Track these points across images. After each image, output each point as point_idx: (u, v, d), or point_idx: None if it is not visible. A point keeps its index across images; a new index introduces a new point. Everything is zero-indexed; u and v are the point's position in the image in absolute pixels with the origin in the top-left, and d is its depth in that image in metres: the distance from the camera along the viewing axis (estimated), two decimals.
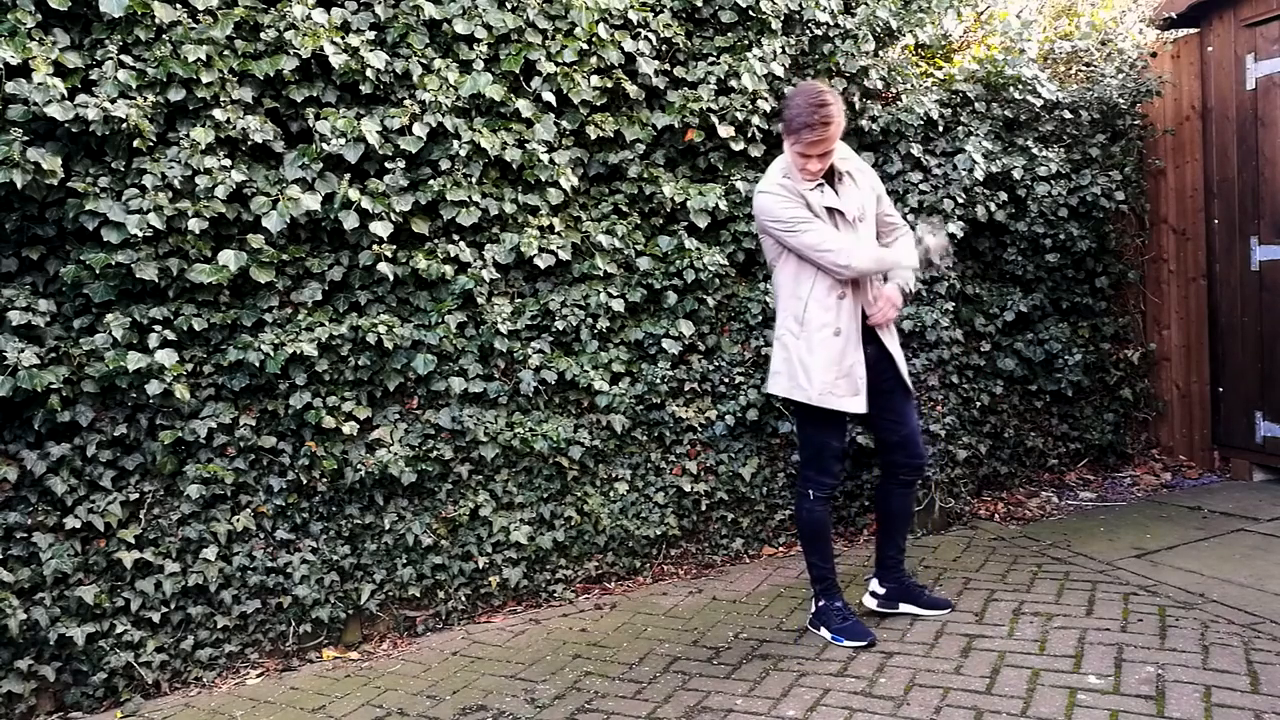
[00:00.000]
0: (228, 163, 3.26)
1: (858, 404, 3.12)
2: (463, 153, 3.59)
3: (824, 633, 3.28)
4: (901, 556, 3.44)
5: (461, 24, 3.63)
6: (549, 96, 3.75)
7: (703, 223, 4.02)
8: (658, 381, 3.99)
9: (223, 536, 3.38)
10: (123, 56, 3.15)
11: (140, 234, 3.13)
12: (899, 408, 3.26)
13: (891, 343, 3.24)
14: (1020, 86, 4.74)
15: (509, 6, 3.73)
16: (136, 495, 3.29)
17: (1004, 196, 4.66)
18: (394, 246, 3.55)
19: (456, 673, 3.27)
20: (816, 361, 3.09)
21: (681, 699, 2.93)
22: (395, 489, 3.64)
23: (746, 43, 4.13)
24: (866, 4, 4.33)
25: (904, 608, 3.41)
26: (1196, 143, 5.07)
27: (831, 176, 3.13)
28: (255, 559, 3.44)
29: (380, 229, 3.46)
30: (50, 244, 3.19)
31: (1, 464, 3.11)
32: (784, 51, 4.15)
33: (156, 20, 3.16)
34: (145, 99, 3.15)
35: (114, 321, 3.15)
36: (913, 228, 3.50)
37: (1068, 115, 4.90)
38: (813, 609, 3.35)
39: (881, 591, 3.43)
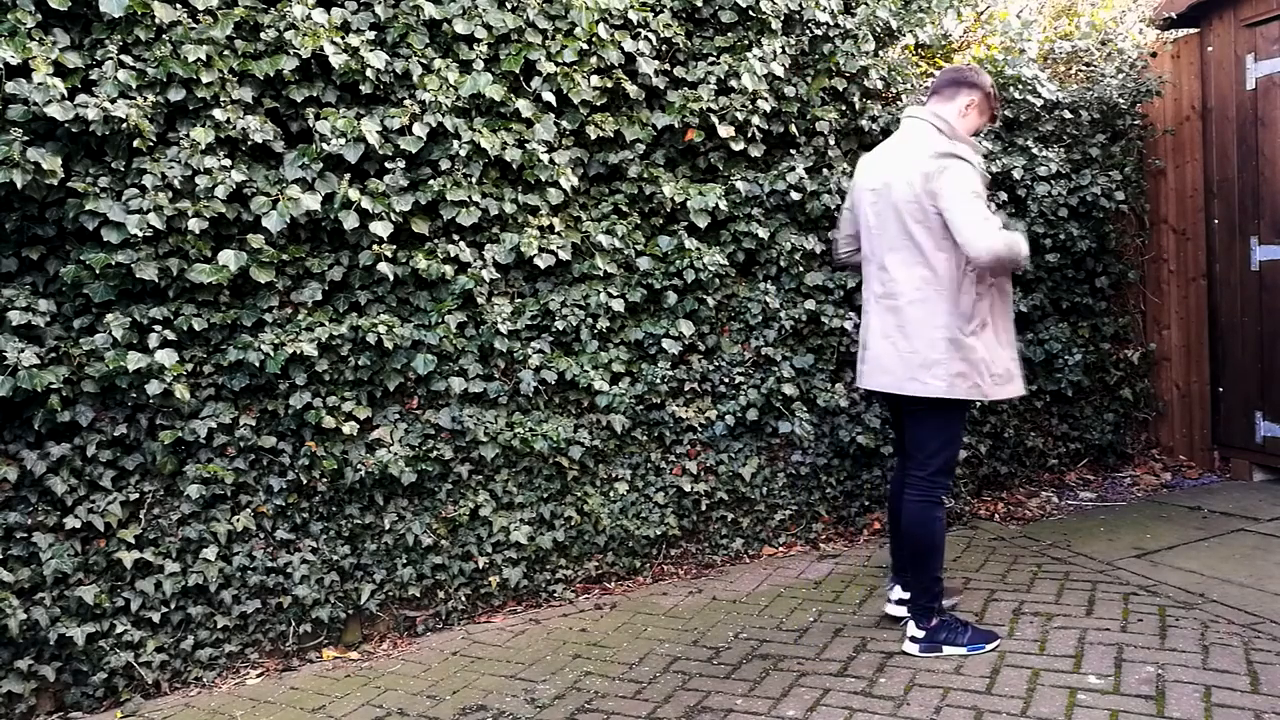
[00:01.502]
0: (228, 163, 3.26)
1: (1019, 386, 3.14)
2: (463, 153, 3.59)
3: (954, 650, 3.07)
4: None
5: (461, 24, 3.63)
6: (549, 96, 3.75)
7: (703, 223, 4.02)
8: (658, 381, 3.99)
9: (223, 536, 3.38)
10: (123, 56, 3.15)
11: (140, 234, 3.13)
12: None
13: None
14: (1020, 86, 4.75)
15: (509, 6, 3.73)
16: (136, 495, 3.29)
17: (1004, 196, 4.66)
18: (394, 246, 3.55)
19: (456, 673, 3.28)
20: (999, 354, 3.04)
21: (681, 699, 2.93)
22: (395, 489, 3.64)
23: (746, 43, 4.13)
24: (866, 4, 4.33)
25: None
26: (1196, 143, 5.07)
27: None
28: (255, 559, 3.44)
29: (380, 229, 3.46)
30: (50, 244, 3.19)
31: (1, 464, 3.10)
32: (784, 51, 4.15)
33: (156, 20, 3.16)
34: (145, 99, 3.15)
35: (114, 321, 3.15)
36: None
37: (1068, 115, 4.90)
38: (919, 632, 3.11)
39: (906, 596, 3.26)
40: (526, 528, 3.80)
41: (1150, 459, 5.32)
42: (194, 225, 3.21)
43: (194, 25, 3.22)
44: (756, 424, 4.21)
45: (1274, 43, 4.61)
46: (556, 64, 3.76)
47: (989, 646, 3.08)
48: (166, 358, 3.20)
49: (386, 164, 3.51)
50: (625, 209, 4.01)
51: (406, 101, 3.54)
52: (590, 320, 3.89)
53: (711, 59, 4.09)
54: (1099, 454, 5.24)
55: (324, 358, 3.44)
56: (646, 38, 3.95)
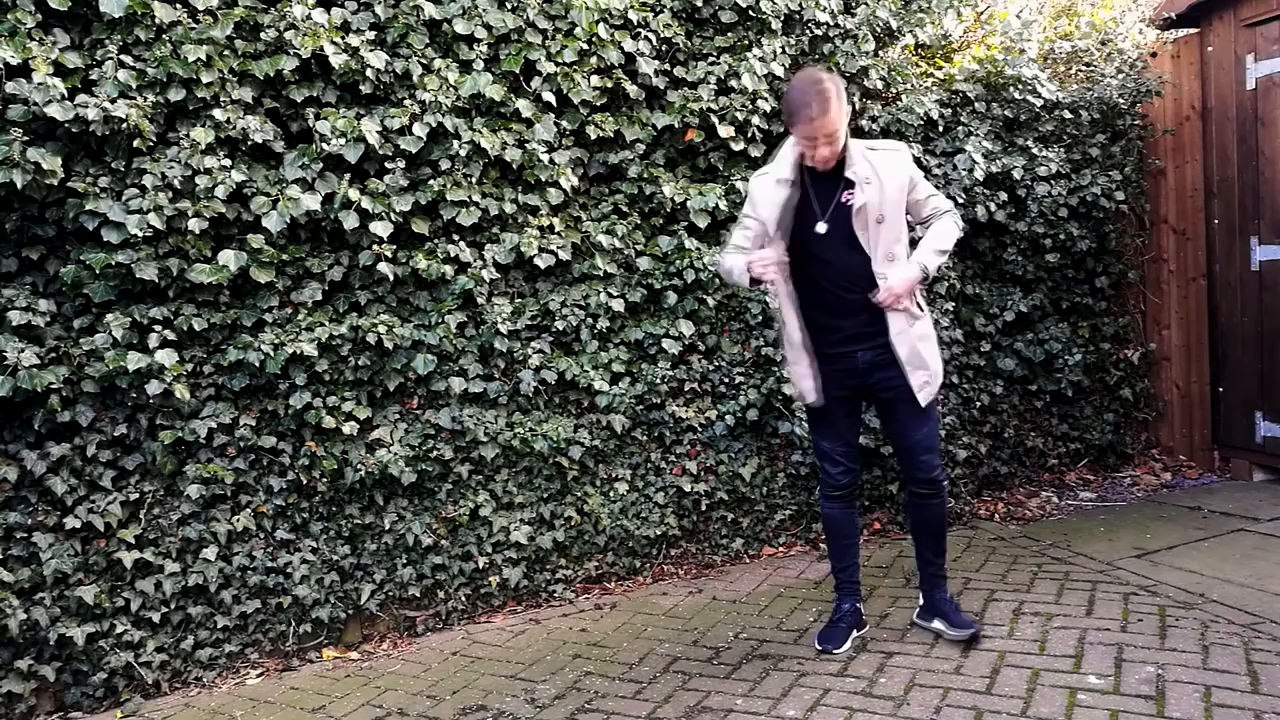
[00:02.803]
0: (228, 163, 3.26)
1: (806, 395, 3.13)
2: (463, 153, 3.59)
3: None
4: (933, 570, 3.25)
5: (461, 24, 3.63)
6: (549, 96, 3.75)
7: (703, 223, 4.02)
8: (658, 381, 3.99)
9: (223, 536, 3.38)
10: (123, 56, 3.15)
11: (140, 234, 3.13)
12: (901, 418, 3.08)
13: (902, 348, 2.97)
14: (1020, 86, 4.74)
15: (509, 6, 3.73)
16: (136, 495, 3.29)
17: (1004, 196, 4.66)
18: (394, 246, 3.55)
19: (456, 673, 3.27)
20: (792, 359, 3.16)
21: (681, 699, 2.93)
22: (395, 489, 3.64)
23: (746, 43, 4.13)
24: (866, 4, 4.33)
25: (935, 624, 3.25)
26: (1196, 143, 5.07)
27: (841, 174, 2.96)
28: (255, 559, 3.44)
29: (380, 229, 3.46)
30: (50, 244, 3.19)
31: (1, 464, 3.11)
32: (784, 51, 4.15)
33: (156, 20, 3.16)
34: (145, 99, 3.15)
35: (114, 321, 3.15)
36: None
37: (1068, 115, 4.90)
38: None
39: (921, 602, 3.33)
40: (526, 528, 3.80)
41: (1150, 459, 5.32)
42: (194, 225, 3.21)
43: (194, 25, 3.22)
44: (756, 424, 4.21)
45: (1274, 43, 4.61)
46: (556, 64, 3.76)
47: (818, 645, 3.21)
48: (166, 358, 3.20)
49: (386, 164, 3.51)
50: (625, 209, 4.01)
51: (406, 101, 3.54)
52: (590, 320, 3.89)
53: (711, 59, 4.09)
54: (1099, 454, 5.24)
55: (324, 358, 3.44)
56: (646, 38, 3.95)
